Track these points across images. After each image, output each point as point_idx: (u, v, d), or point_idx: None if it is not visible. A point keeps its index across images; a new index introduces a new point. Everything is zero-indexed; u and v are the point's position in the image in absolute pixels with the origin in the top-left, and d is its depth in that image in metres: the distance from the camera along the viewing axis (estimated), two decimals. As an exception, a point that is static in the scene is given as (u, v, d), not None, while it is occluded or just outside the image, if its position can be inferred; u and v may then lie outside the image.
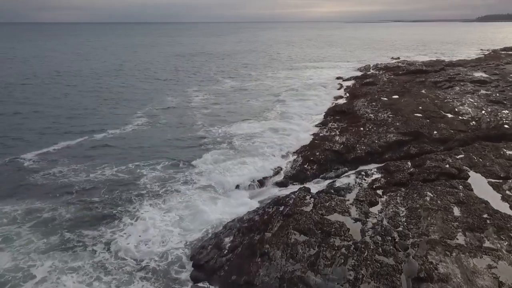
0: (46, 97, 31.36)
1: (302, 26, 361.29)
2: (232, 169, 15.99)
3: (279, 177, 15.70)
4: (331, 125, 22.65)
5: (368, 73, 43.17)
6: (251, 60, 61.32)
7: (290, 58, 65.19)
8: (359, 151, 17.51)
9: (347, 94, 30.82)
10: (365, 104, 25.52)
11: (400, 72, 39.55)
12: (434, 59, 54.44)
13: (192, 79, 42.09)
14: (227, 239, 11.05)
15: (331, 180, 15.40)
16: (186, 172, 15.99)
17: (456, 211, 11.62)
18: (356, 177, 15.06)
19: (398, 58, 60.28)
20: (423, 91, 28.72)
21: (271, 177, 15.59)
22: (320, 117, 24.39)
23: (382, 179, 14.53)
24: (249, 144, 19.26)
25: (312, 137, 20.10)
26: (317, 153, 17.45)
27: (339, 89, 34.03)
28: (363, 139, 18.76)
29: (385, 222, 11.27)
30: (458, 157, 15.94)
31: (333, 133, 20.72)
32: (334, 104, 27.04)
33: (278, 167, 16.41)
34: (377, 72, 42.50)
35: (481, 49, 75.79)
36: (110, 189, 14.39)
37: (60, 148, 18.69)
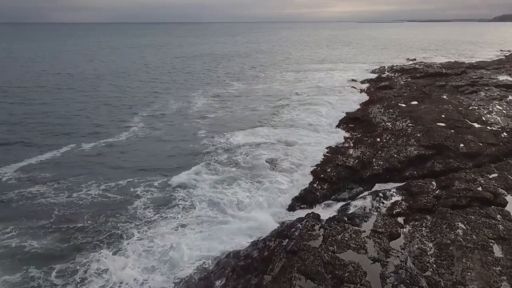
0: (37, 102, 29.77)
1: (315, 26, 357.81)
2: (234, 189, 14.20)
3: (285, 199, 13.81)
4: (344, 135, 20.69)
5: (383, 75, 41.01)
6: (260, 62, 59.50)
7: (301, 59, 63.16)
8: (376, 167, 15.53)
9: (362, 99, 28.72)
10: (381, 110, 23.46)
11: (418, 75, 37.31)
12: (453, 60, 51.82)
13: (198, 82, 40.41)
14: (218, 283, 9.23)
15: (344, 203, 13.47)
16: (182, 192, 14.21)
17: (497, 250, 9.61)
18: (373, 199, 13.12)
19: (415, 59, 57.80)
20: (444, 96, 26.53)
21: (275, 199, 13.71)
22: (332, 126, 22.41)
23: (403, 203, 12.55)
24: (253, 157, 17.39)
25: (322, 149, 18.12)
26: (329, 170, 15.51)
27: (352, 93, 31.94)
28: (380, 152, 16.77)
29: (409, 263, 9.32)
30: (491, 176, 13.85)
31: (347, 145, 18.77)
32: (347, 111, 25.00)
33: (284, 187, 14.51)
34: (393, 75, 40.32)
35: (501, 50, 72.64)
36: (94, 213, 12.65)
37: (44, 160, 17.06)
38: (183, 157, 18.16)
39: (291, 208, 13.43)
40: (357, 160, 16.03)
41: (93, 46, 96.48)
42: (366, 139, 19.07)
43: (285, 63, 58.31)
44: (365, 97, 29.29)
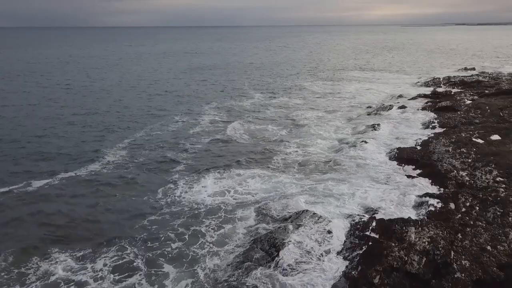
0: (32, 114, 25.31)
1: (356, 30, 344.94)
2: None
3: None
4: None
5: (440, 90, 33.40)
6: (293, 67, 52.99)
7: (337, 66, 56.07)
8: (458, 274, 8.85)
9: (416, 126, 21.63)
10: (449, 149, 16.48)
11: (487, 91, 29.59)
12: (524, 71, 43.14)
13: (215, 93, 34.70)
14: None
15: None
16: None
17: None
18: None
19: (473, 68, 49.21)
20: (537, 127, 19.09)
21: None
22: (377, 171, 15.67)
23: None
24: (248, 233, 11.28)
25: (361, 231, 11.45)
26: (377, 278, 8.95)
27: (402, 115, 24.79)
28: (460, 238, 10.07)
29: None
30: None
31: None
32: (398, 145, 18.08)
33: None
34: (451, 90, 32.68)
35: None
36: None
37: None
38: (161, 207, 12.42)
39: None
40: (424, 259, 9.38)
41: (120, 52, 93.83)
42: (432, 202, 12.32)
43: (318, 70, 51.63)
44: (422, 124, 22.16)
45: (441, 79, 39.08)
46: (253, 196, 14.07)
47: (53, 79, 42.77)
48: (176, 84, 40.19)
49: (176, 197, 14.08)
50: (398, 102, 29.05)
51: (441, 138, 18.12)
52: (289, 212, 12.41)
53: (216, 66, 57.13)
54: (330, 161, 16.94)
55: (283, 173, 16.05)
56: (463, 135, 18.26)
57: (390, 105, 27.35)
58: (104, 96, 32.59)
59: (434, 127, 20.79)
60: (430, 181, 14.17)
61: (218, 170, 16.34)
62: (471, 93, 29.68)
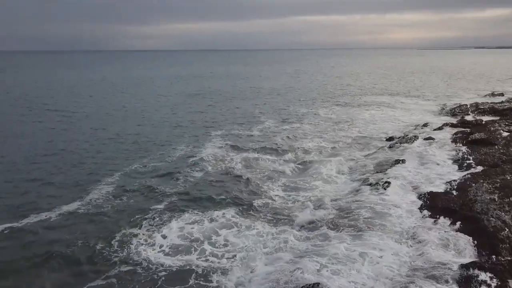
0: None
1: (372, 53, 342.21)
2: None
3: None
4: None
5: (468, 118, 30.28)
6: (305, 94, 50.40)
7: (353, 91, 53.26)
8: None
9: (447, 164, 18.53)
10: (495, 197, 13.40)
11: (525, 121, 26.35)
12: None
13: (224, 119, 32.29)
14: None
15: None
16: None
17: None
18: None
19: (502, 94, 45.88)
20: None
21: None
22: (403, 225, 12.61)
23: None
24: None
25: None
26: None
27: (430, 149, 21.73)
28: None
29: None
30: None
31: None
32: (429, 189, 15.03)
33: None
34: (482, 118, 29.50)
35: None
36: None
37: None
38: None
39: None
40: None
41: (130, 75, 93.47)
42: (483, 278, 9.27)
43: (333, 95, 48.96)
44: (452, 160, 19.09)
45: (468, 106, 35.91)
46: (230, 256, 11.23)
47: (53, 104, 41.20)
48: (183, 109, 38.10)
49: (131, 253, 11.30)
50: (423, 133, 26.04)
51: (482, 181, 15.03)
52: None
53: (226, 90, 55.14)
54: (342, 208, 14.04)
55: (279, 224, 13.22)
56: (509, 177, 15.15)
57: (414, 136, 24.34)
58: (107, 123, 30.46)
59: (469, 166, 17.67)
60: (475, 242, 11.10)
61: (196, 211, 13.86)
62: (506, 123, 26.46)
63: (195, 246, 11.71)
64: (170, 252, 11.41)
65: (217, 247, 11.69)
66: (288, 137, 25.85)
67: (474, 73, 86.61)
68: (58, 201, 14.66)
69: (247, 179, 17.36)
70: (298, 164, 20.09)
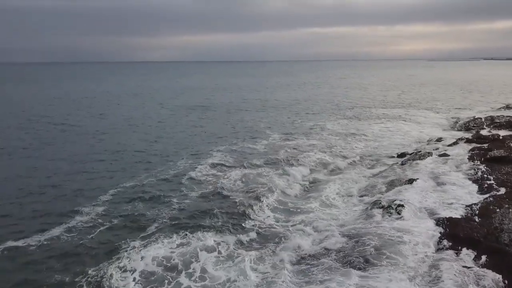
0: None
1: (382, 65, 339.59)
2: None
3: None
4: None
5: (484, 133, 28.69)
6: (312, 107, 49.07)
7: (362, 103, 51.79)
8: None
9: (467, 185, 16.96)
10: (523, 225, 11.86)
11: (546, 136, 24.68)
12: None
13: (227, 133, 31.00)
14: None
15: None
16: None
17: None
18: None
19: (517, 107, 44.05)
20: None
21: None
22: (417, 263, 11.06)
23: None
24: None
25: None
26: None
27: (444, 165, 20.16)
28: None
29: None
30: None
31: None
32: (447, 218, 13.46)
33: None
34: (499, 133, 27.83)
35: None
36: None
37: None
38: None
39: None
40: None
41: (137, 86, 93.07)
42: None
43: (341, 107, 47.56)
44: (470, 180, 17.52)
45: (483, 120, 34.25)
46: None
47: (51, 116, 40.41)
48: (185, 122, 37.01)
49: (102, 281, 10.04)
50: (437, 149, 24.51)
51: (507, 206, 13.47)
52: None
53: (230, 102, 54.08)
54: (350, 236, 12.58)
55: (272, 254, 11.79)
56: (537, 202, 13.58)
57: (428, 153, 22.81)
58: (102, 137, 29.40)
59: (490, 187, 16.09)
60: (505, 282, 9.59)
61: (182, 236, 12.64)
62: (526, 138, 24.81)
63: (170, 277, 10.35)
64: (141, 282, 10.11)
65: (193, 280, 10.30)
66: (293, 152, 24.48)
67: (485, 85, 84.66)
68: (37, 226, 13.43)
69: (243, 200, 16.00)
70: (303, 182, 18.72)
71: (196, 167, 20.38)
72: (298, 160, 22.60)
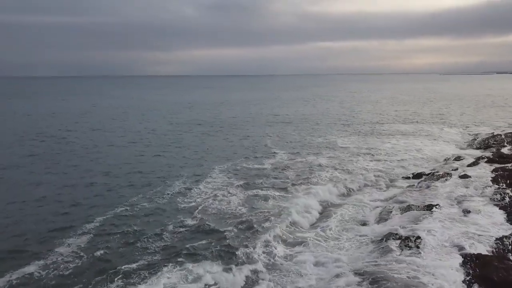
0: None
1: (395, 79, 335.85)
2: None
3: None
4: None
5: (505, 151, 26.85)
6: (323, 122, 47.55)
7: (374, 118, 50.06)
8: None
9: (495, 214, 15.15)
10: None
11: None
12: None
13: (232, 151, 29.54)
14: None
15: None
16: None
17: None
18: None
19: (538, 123, 42.01)
20: None
21: None
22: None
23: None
24: None
25: None
26: None
27: (466, 189, 18.38)
28: None
29: None
30: None
31: None
32: (475, 255, 11.71)
33: None
34: (523, 152, 25.97)
35: None
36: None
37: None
38: None
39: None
40: None
41: (142, 100, 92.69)
42: None
43: (353, 123, 45.87)
44: (498, 207, 15.71)
45: (503, 136, 32.36)
46: None
47: (54, 132, 39.51)
48: (188, 138, 35.66)
49: None
50: (456, 169, 22.74)
51: (544, 242, 11.72)
52: None
53: (238, 117, 52.76)
54: (363, 274, 10.94)
55: None
56: None
57: (447, 174, 21.09)
58: (100, 155, 28.17)
59: (522, 220, 14.33)
60: None
61: (175, 270, 11.20)
62: (553, 158, 22.91)
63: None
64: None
65: None
66: (302, 172, 22.93)
67: (500, 99, 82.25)
68: (9, 263, 12.03)
69: (244, 229, 14.54)
70: (312, 208, 17.07)
71: (195, 190, 18.96)
72: (308, 181, 21.06)
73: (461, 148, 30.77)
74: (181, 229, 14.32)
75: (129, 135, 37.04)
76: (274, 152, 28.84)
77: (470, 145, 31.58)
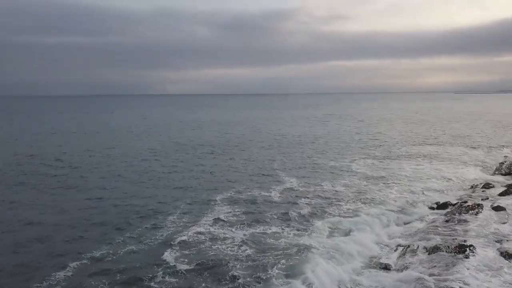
0: None
1: (409, 98, 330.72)
2: None
3: None
4: None
5: (539, 178, 24.22)
6: (336, 144, 45.19)
7: (390, 140, 47.59)
8: None
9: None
10: None
11: None
12: None
13: (236, 177, 27.27)
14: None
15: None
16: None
17: None
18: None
19: None
20: None
21: None
22: None
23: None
24: None
25: None
26: None
27: (501, 225, 16.00)
28: None
29: None
30: None
31: None
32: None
33: None
34: (559, 178, 23.37)
35: None
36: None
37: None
38: None
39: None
40: None
41: (147, 119, 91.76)
42: None
43: (368, 145, 43.50)
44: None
45: (533, 160, 29.71)
46: None
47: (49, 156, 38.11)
48: (191, 161, 33.45)
49: None
50: (486, 198, 20.33)
51: None
52: None
53: (246, 138, 50.70)
54: None
55: None
56: None
57: (477, 205, 18.64)
58: (94, 180, 25.97)
59: None
60: None
61: None
62: None
63: None
64: None
65: None
66: (316, 203, 20.67)
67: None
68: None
69: (247, 275, 12.45)
70: (327, 248, 14.82)
71: (191, 225, 16.90)
72: (322, 214, 18.90)
73: (488, 173, 28.25)
74: (171, 280, 12.21)
75: (127, 158, 34.81)
76: (284, 178, 26.70)
77: (497, 170, 28.96)
